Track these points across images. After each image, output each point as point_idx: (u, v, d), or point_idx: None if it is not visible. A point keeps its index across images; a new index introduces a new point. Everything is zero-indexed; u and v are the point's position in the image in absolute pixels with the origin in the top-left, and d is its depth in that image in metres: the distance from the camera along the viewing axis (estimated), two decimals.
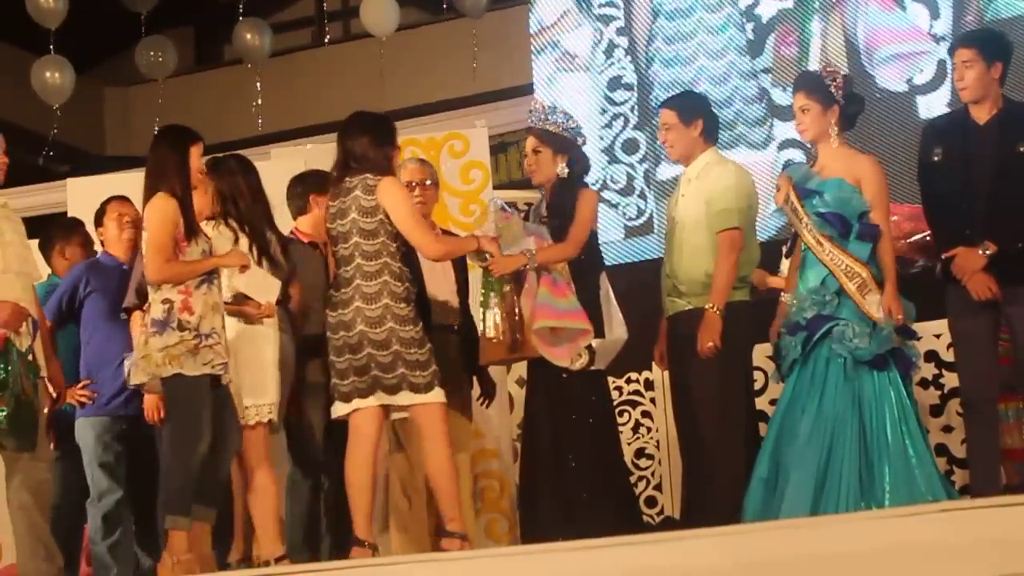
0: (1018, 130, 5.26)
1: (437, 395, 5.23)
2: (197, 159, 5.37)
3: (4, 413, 5.20)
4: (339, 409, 5.29)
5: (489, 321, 5.53)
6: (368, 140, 5.36)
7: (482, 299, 5.59)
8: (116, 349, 5.73)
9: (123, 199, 6.09)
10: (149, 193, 5.30)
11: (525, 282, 5.54)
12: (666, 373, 5.94)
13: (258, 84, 9.99)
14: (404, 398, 5.21)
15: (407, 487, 5.94)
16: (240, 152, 5.99)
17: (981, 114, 5.32)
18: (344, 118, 5.55)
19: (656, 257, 6.95)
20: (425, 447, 5.29)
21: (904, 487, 4.95)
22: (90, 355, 5.93)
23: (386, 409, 5.33)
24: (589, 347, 5.51)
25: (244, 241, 5.49)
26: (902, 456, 5.02)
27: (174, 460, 5.21)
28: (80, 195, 6.97)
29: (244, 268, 5.37)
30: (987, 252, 5.17)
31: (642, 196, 9.04)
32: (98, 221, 6.16)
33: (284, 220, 6.18)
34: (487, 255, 5.47)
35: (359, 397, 5.24)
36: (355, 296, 5.22)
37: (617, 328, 5.67)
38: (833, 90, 5.30)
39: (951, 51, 5.52)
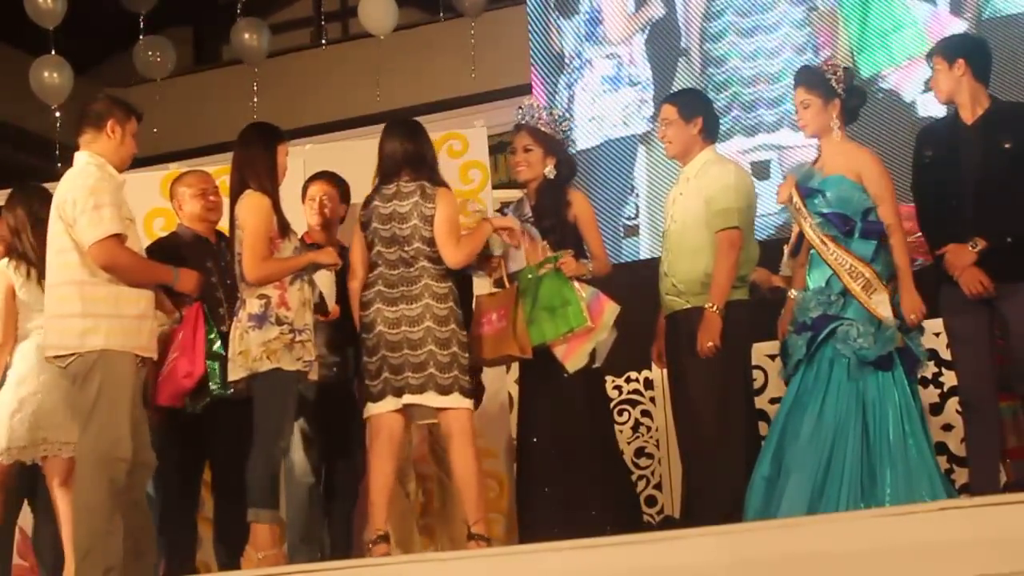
0: (1003, 127, 5.29)
1: (458, 400, 5.29)
2: (284, 158, 5.47)
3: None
4: (389, 404, 5.32)
5: (584, 311, 5.46)
6: (424, 143, 5.51)
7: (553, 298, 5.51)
8: None
9: None
10: (237, 189, 5.39)
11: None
12: (665, 371, 5.94)
13: (255, 84, 9.98)
14: (434, 399, 5.28)
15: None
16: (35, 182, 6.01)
17: (968, 114, 5.37)
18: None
19: (655, 256, 6.95)
20: (451, 451, 5.35)
21: (906, 488, 4.92)
22: None
23: (411, 412, 5.39)
24: None
25: (24, 270, 5.56)
26: (904, 457, 4.99)
27: (260, 454, 5.23)
28: None
29: (334, 267, 5.44)
30: (977, 248, 5.19)
31: (640, 195, 9.03)
32: None
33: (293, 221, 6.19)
34: (557, 257, 5.51)
35: (411, 393, 5.29)
36: (424, 294, 5.30)
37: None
38: (834, 83, 5.30)
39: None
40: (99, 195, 5.07)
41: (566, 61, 9.31)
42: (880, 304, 5.10)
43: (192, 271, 5.37)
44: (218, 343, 5.36)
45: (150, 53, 9.97)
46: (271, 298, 5.27)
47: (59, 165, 9.07)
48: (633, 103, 9.11)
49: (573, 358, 5.49)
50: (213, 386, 5.39)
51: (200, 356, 5.28)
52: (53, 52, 9.37)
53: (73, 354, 5.04)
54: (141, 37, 9.93)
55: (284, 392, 5.27)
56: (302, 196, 6.19)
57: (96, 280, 5.06)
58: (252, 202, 5.33)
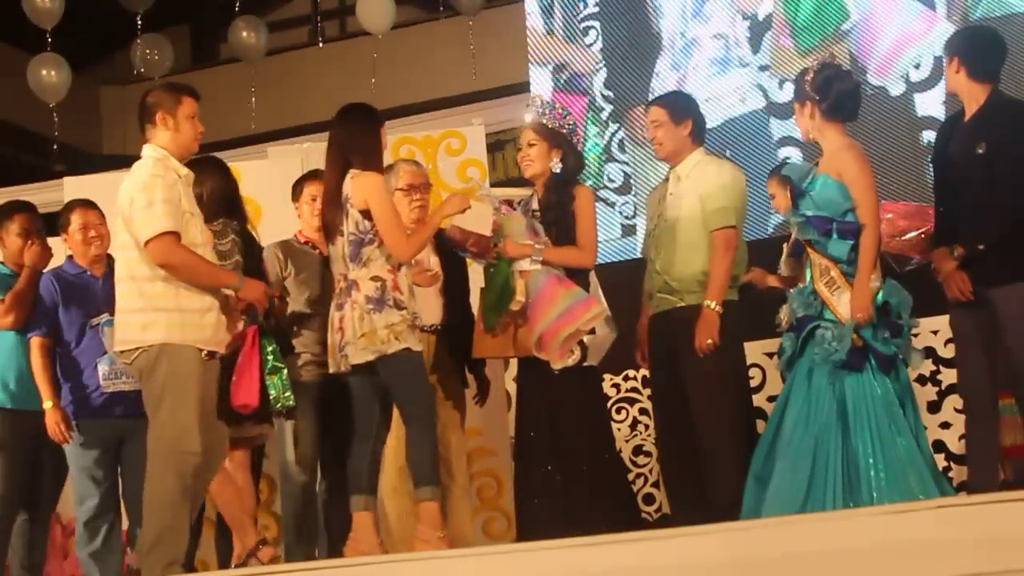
0: (983, 130, 5.25)
1: None
2: (385, 139, 5.42)
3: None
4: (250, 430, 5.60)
5: (516, 293, 5.50)
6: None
7: (498, 285, 5.56)
8: (95, 353, 5.79)
9: (87, 206, 6.01)
10: (340, 169, 5.29)
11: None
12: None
13: (253, 83, 9.99)
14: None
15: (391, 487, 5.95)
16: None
17: (968, 113, 5.35)
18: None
19: None
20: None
21: (893, 487, 4.84)
22: (68, 360, 5.86)
23: None
24: (581, 342, 5.51)
25: None
26: (894, 455, 4.92)
27: (424, 433, 5.21)
28: (77, 193, 6.96)
29: (466, 208, 5.40)
30: (956, 254, 5.19)
31: (638, 194, 9.04)
32: (64, 227, 6.05)
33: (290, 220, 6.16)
34: (498, 242, 5.56)
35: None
36: None
37: (604, 325, 5.66)
38: (807, 87, 5.22)
39: None
40: (152, 191, 4.96)
41: (664, 43, 9.17)
42: (843, 303, 5.04)
43: (259, 281, 5.30)
44: (273, 358, 5.40)
45: (148, 51, 9.97)
46: (386, 281, 5.22)
47: (58, 164, 9.10)
48: (746, 84, 8.93)
49: (549, 353, 5.48)
50: (276, 404, 5.45)
51: (255, 386, 5.28)
52: (51, 50, 9.37)
53: (137, 348, 5.02)
54: (139, 35, 9.93)
55: (421, 370, 5.30)
56: (296, 195, 6.14)
57: (155, 275, 4.99)
58: (373, 182, 5.23)
